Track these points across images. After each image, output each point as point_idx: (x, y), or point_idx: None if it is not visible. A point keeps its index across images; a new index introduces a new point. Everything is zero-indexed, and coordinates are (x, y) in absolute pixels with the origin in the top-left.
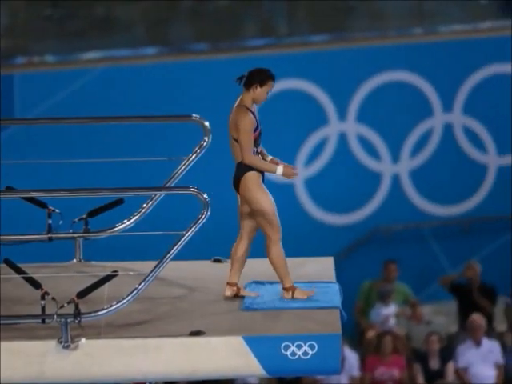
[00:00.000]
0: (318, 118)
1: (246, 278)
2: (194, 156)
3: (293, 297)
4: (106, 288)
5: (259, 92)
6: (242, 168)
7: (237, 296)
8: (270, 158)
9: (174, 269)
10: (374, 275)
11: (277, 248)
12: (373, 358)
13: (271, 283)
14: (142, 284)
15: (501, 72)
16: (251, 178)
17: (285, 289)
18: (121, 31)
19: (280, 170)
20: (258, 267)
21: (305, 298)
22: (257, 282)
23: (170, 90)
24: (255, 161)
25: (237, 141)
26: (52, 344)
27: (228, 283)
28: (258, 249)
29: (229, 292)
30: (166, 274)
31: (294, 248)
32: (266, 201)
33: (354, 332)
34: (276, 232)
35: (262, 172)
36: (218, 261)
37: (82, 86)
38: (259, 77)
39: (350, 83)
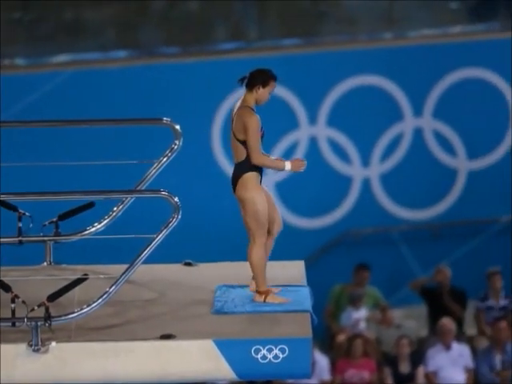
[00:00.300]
0: (288, 121)
1: (217, 281)
2: (164, 159)
3: (265, 301)
4: (76, 291)
5: (262, 92)
6: (242, 168)
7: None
8: (273, 157)
9: (144, 272)
10: (344, 279)
11: (259, 251)
12: (343, 361)
13: (242, 287)
14: (113, 287)
15: (471, 76)
16: (251, 178)
17: (259, 292)
18: (91, 35)
19: (288, 165)
20: (229, 270)
21: (277, 302)
22: (228, 286)
23: (141, 94)
24: (264, 160)
25: (242, 142)
26: (22, 347)
27: (258, 292)
28: (231, 252)
29: (259, 297)
30: (137, 278)
31: None
32: (261, 203)
33: (325, 336)
34: (262, 236)
35: (261, 174)
36: (189, 264)
37: (52, 89)
38: (262, 77)
39: (320, 87)
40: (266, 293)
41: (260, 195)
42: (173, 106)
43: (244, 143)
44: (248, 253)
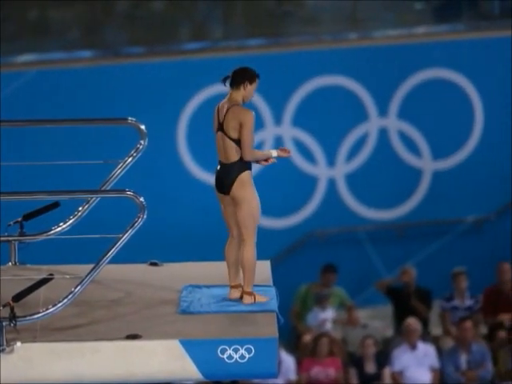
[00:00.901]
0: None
1: (183, 281)
2: (130, 159)
3: (255, 301)
4: (41, 291)
5: (249, 89)
6: (238, 167)
7: (241, 297)
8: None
9: (110, 272)
10: (309, 279)
11: (251, 251)
12: (309, 360)
13: (208, 287)
14: (78, 287)
15: (435, 77)
16: (247, 176)
17: (247, 293)
18: (55, 34)
19: (275, 152)
20: (195, 270)
21: (264, 300)
22: (193, 286)
23: (106, 94)
24: (255, 154)
25: (236, 141)
26: None
27: (232, 286)
28: (196, 252)
29: (236, 294)
30: (103, 278)
31: None
32: (256, 202)
33: (291, 336)
34: (254, 235)
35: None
36: (155, 264)
37: (17, 88)
38: (248, 75)
39: (285, 87)
40: (253, 294)
41: (254, 195)
42: (138, 106)
43: (238, 142)
44: (240, 252)
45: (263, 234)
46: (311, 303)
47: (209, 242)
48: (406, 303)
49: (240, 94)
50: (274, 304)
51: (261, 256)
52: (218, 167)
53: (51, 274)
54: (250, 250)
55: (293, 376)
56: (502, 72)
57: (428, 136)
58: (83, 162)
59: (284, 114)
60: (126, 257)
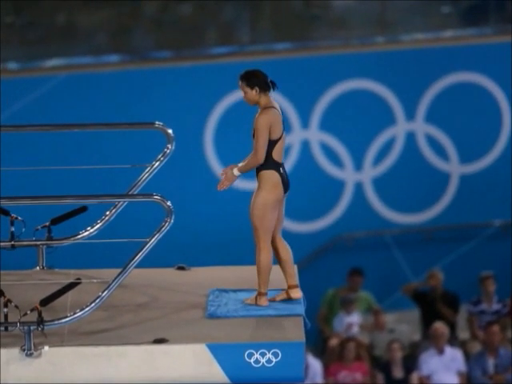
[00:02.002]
0: None
1: (210, 285)
2: (157, 163)
3: (257, 304)
4: (69, 296)
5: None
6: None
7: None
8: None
9: (137, 276)
10: (337, 283)
11: (267, 254)
12: (336, 365)
13: (234, 291)
14: (106, 292)
15: (463, 81)
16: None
17: (259, 293)
18: (83, 39)
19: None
20: (222, 275)
21: (267, 304)
22: (220, 290)
23: (133, 98)
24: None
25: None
26: (15, 352)
27: (260, 293)
28: (224, 256)
29: (296, 294)
30: (130, 282)
31: None
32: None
33: (318, 340)
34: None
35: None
36: (182, 268)
37: (45, 93)
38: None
39: (312, 91)
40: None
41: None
42: (165, 110)
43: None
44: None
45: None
46: (338, 307)
47: (236, 247)
48: (432, 307)
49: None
50: (301, 308)
51: None
52: (281, 169)
53: (78, 279)
54: (264, 253)
55: (320, 380)
56: None
57: (455, 140)
58: (111, 166)
59: (311, 117)
60: (153, 261)
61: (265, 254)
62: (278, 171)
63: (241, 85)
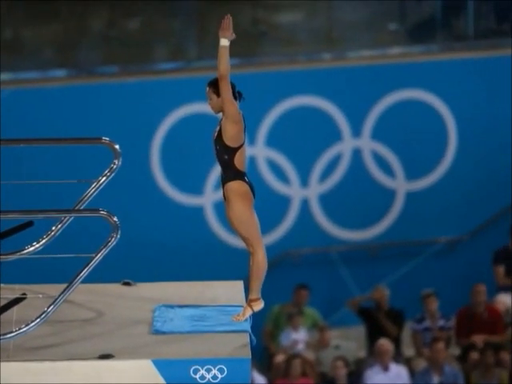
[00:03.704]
0: None
1: (156, 301)
2: (103, 179)
3: (252, 309)
4: (14, 311)
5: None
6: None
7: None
8: None
9: (83, 291)
10: (283, 299)
11: (263, 255)
12: (281, 381)
13: (180, 307)
14: (51, 307)
15: (409, 98)
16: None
17: (251, 300)
18: (29, 53)
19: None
20: (168, 290)
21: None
22: (166, 306)
23: (80, 113)
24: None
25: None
26: None
27: (252, 300)
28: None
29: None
30: (76, 297)
31: (204, 271)
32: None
33: (263, 356)
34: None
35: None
36: (128, 284)
37: None
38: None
39: (259, 107)
40: (257, 301)
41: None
42: (112, 126)
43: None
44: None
45: (237, 254)
46: (283, 323)
47: (181, 263)
48: (377, 323)
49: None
50: (247, 324)
51: (234, 276)
52: (246, 177)
53: (24, 294)
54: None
55: None
56: (476, 93)
57: (401, 157)
58: (57, 181)
59: (258, 133)
60: (99, 276)
61: (261, 255)
62: (244, 180)
63: (208, 91)
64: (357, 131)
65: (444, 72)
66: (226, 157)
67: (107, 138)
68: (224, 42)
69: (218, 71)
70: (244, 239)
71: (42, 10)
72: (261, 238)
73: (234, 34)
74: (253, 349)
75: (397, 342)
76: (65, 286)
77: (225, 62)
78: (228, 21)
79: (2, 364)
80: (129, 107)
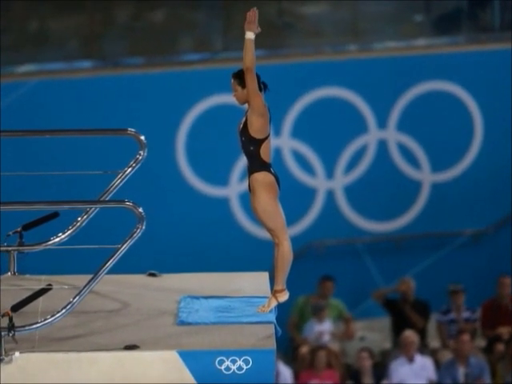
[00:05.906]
0: None
1: (182, 292)
2: (129, 170)
3: (277, 300)
4: (40, 301)
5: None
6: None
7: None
8: None
9: (108, 282)
10: (308, 290)
11: (288, 246)
12: (306, 372)
13: (206, 298)
14: (77, 298)
15: (435, 89)
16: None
17: (276, 291)
18: (55, 45)
19: (249, 34)
20: (193, 282)
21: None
22: (191, 297)
23: (105, 104)
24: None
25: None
26: None
27: (277, 291)
28: (195, 263)
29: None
30: (101, 288)
31: (229, 262)
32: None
33: (288, 347)
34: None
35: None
36: (153, 275)
37: (17, 99)
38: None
39: (285, 99)
40: (282, 292)
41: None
42: (137, 117)
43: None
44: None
45: (262, 245)
46: (309, 314)
47: (208, 254)
48: (403, 315)
49: None
50: (272, 315)
51: (259, 267)
52: (271, 168)
53: (50, 284)
54: (282, 248)
55: None
56: (502, 84)
57: (427, 148)
58: (83, 172)
59: (283, 125)
60: (124, 267)
61: (287, 246)
62: (269, 171)
63: (233, 83)
64: (382, 122)
65: (469, 63)
66: (252, 148)
67: (133, 129)
68: (249, 35)
69: (244, 64)
70: (269, 230)
71: (68, 2)
72: (286, 229)
73: (259, 28)
74: (278, 340)
75: (422, 333)
76: (90, 276)
77: (250, 55)
78: (254, 14)
79: (28, 355)
80: (154, 98)
